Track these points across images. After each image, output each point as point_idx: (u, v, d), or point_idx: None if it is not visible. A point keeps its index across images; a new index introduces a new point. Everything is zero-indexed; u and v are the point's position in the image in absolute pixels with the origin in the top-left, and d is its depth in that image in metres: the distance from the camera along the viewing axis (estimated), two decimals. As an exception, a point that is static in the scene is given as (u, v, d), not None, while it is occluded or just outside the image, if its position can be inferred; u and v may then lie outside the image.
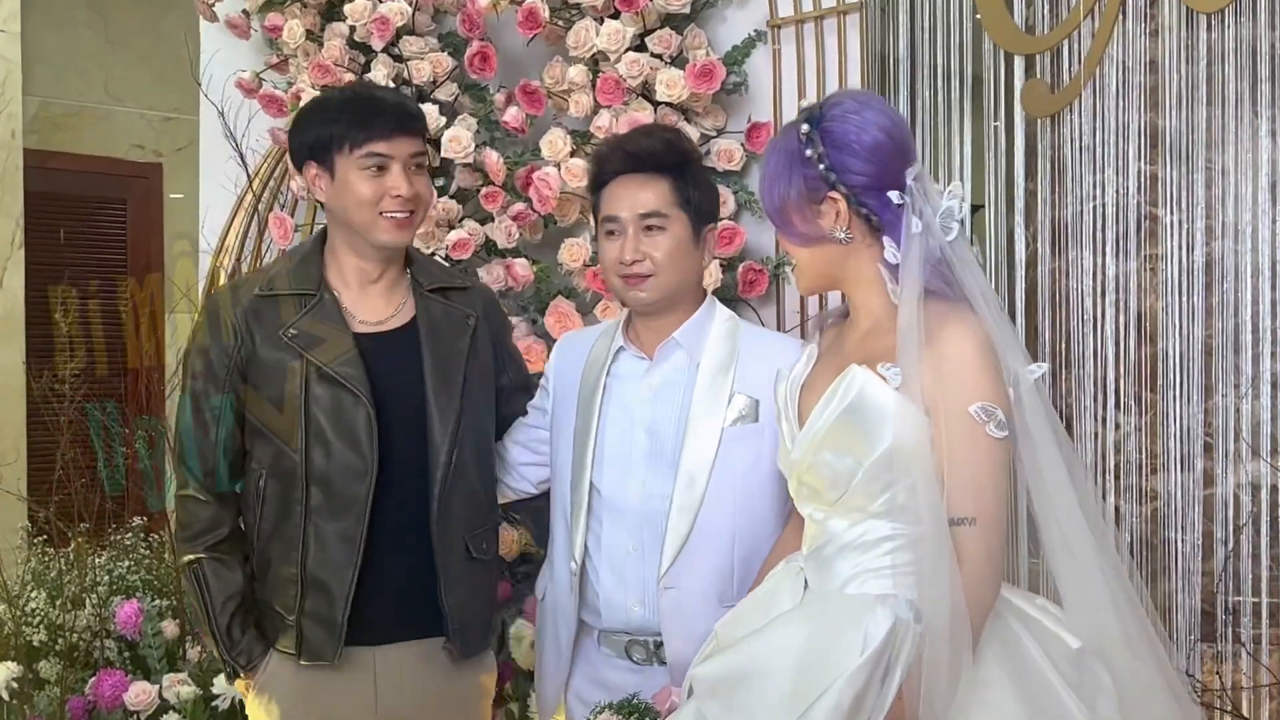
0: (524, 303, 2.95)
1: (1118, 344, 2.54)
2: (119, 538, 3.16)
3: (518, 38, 2.93)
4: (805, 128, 1.68)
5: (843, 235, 1.68)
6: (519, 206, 2.85)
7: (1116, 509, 2.52)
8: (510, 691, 2.63)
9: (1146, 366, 2.51)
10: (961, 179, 2.73)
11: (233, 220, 3.18)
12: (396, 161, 2.00)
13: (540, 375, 2.21)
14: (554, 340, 2.76)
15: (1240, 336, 2.39)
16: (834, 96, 1.73)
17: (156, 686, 2.64)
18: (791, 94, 2.80)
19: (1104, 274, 2.56)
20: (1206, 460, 2.44)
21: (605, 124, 2.77)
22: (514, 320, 2.84)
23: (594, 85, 2.82)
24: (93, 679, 2.67)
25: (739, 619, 1.78)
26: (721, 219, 2.58)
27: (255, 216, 3.13)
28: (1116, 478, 2.54)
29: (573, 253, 2.83)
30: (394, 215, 2.01)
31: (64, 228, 4.74)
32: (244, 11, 3.13)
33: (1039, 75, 2.64)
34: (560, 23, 2.90)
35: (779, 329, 2.80)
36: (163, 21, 5.26)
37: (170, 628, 2.78)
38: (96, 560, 3.00)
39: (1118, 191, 2.54)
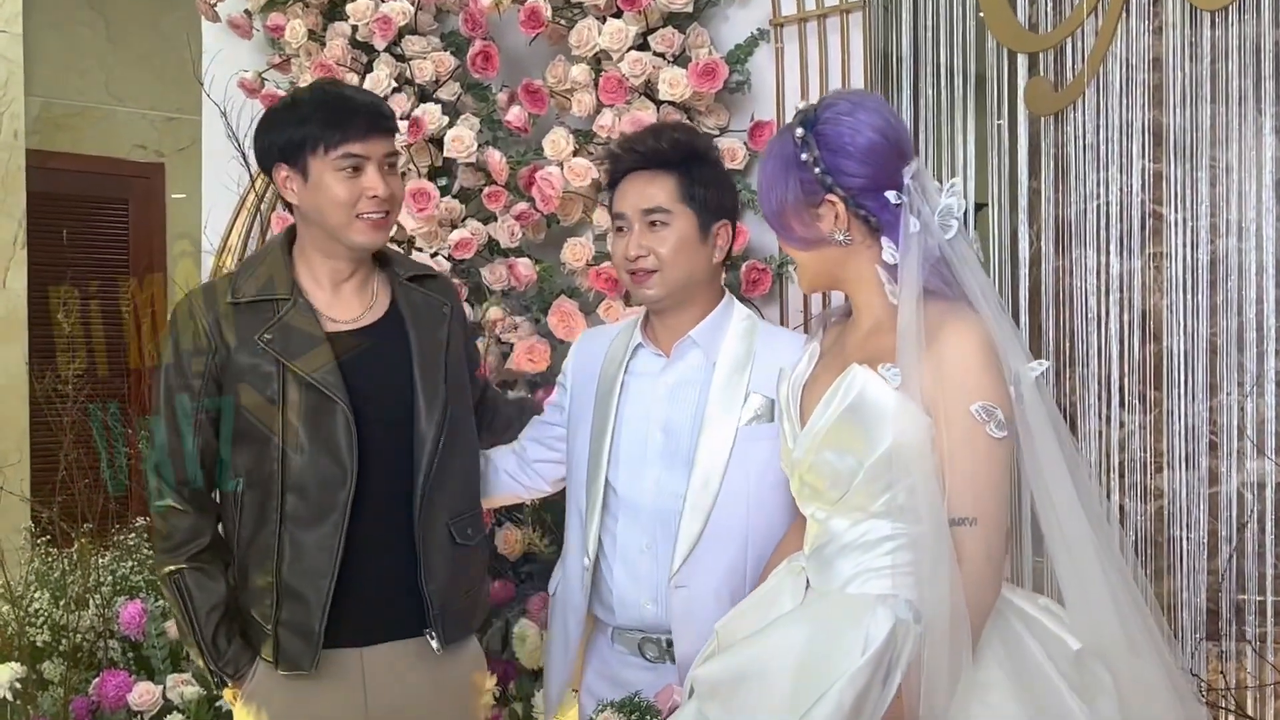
0: (527, 302, 2.94)
1: (1122, 342, 2.53)
2: (122, 538, 3.17)
3: (520, 37, 2.93)
4: (800, 131, 1.67)
5: (842, 237, 1.68)
6: (522, 206, 2.85)
7: (1121, 507, 2.51)
8: (514, 691, 2.63)
9: (1151, 365, 2.50)
10: (965, 177, 2.72)
11: (235, 220, 3.18)
12: (371, 162, 1.97)
13: (540, 375, 2.22)
14: (557, 340, 2.76)
15: (1245, 334, 2.38)
16: (828, 98, 1.72)
17: (160, 687, 2.64)
18: (794, 93, 2.80)
19: (1108, 272, 2.55)
20: (1211, 458, 2.43)
21: (608, 123, 2.76)
22: (517, 320, 2.85)
23: (596, 84, 2.82)
24: (96, 679, 2.66)
25: (740, 619, 1.78)
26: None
27: (258, 216, 3.13)
28: (1121, 476, 2.53)
29: (576, 252, 2.82)
30: (370, 216, 1.98)
31: (66, 228, 4.76)
32: (246, 11, 3.13)
33: (1042, 73, 2.63)
34: (562, 22, 2.90)
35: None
36: (164, 21, 5.27)
37: (174, 628, 2.77)
38: (100, 560, 3.00)
39: (1121, 189, 2.53)
